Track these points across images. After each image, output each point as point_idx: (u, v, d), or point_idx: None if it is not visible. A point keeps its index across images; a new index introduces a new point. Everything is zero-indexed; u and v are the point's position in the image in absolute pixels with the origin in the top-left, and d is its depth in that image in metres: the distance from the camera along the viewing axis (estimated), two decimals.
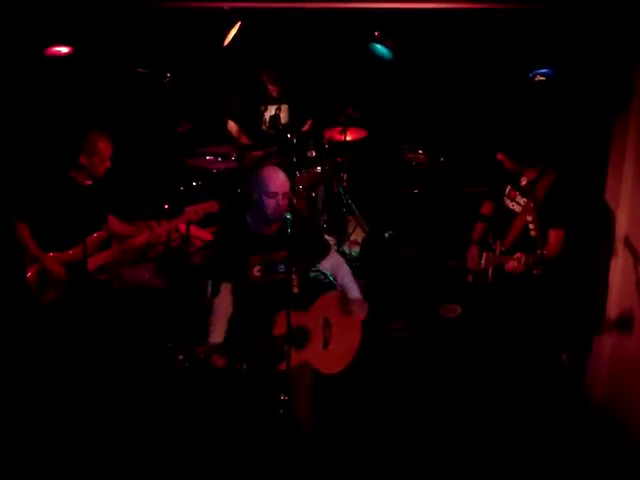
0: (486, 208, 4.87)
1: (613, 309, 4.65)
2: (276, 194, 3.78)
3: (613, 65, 4.50)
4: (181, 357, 3.67)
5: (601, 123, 4.66)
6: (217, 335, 3.89)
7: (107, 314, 4.62)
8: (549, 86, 5.81)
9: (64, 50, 5.71)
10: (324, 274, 4.82)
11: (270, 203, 3.78)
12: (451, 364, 5.16)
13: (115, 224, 4.70)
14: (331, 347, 4.05)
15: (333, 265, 4.20)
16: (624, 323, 4.59)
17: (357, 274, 6.01)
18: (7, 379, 4.57)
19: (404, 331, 5.58)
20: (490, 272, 4.64)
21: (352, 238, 6.62)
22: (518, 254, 4.29)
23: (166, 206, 6.13)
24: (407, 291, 5.79)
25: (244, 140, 6.34)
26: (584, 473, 4.25)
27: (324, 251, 4.15)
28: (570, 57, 5.31)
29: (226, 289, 3.92)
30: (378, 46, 6.20)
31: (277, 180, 3.82)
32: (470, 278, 4.85)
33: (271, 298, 3.85)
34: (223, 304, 3.93)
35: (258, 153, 6.19)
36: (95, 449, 4.29)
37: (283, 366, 3.78)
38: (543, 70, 5.89)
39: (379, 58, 6.25)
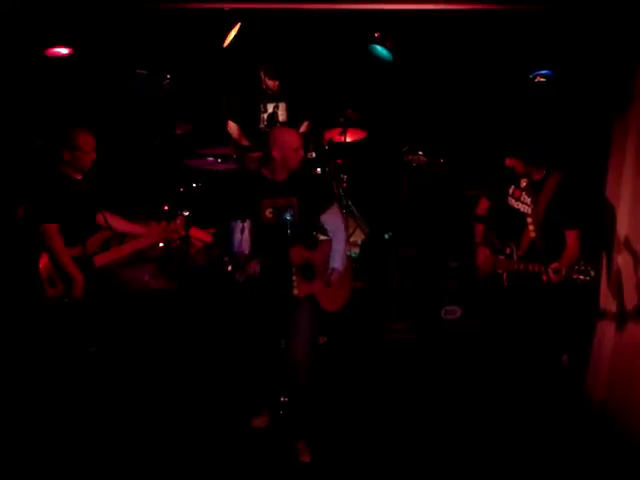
0: (482, 208, 4.81)
1: (614, 310, 4.65)
2: (299, 148, 4.35)
3: (613, 66, 4.51)
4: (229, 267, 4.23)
5: (601, 123, 4.67)
6: (246, 248, 4.34)
7: (110, 313, 4.63)
8: (549, 87, 5.82)
9: (64, 51, 5.73)
10: None
11: (294, 156, 4.33)
12: (451, 365, 5.16)
13: (117, 222, 4.69)
14: (332, 286, 4.48)
15: (333, 225, 4.56)
16: (625, 324, 4.59)
17: (357, 276, 6.08)
18: (12, 374, 4.59)
19: (404, 332, 5.58)
20: (505, 277, 4.59)
21: (352, 239, 6.60)
22: (555, 265, 4.23)
23: (165, 207, 6.15)
24: (407, 293, 5.79)
25: (244, 142, 6.34)
26: (585, 473, 4.25)
27: (327, 203, 4.52)
28: (570, 58, 5.32)
29: (245, 227, 4.33)
30: (378, 47, 6.20)
31: (295, 136, 4.40)
32: (476, 279, 4.82)
33: (282, 236, 4.32)
34: (243, 236, 4.33)
35: (258, 154, 6.18)
36: (94, 447, 4.29)
37: (296, 292, 4.37)
38: (543, 72, 5.89)
39: (379, 59, 6.25)
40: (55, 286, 4.34)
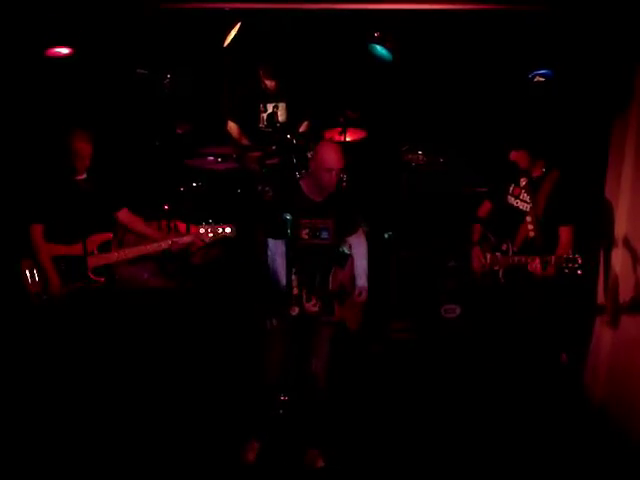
0: (483, 210, 4.84)
1: (612, 308, 4.65)
2: (331, 170, 4.18)
3: (612, 66, 4.52)
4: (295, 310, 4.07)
5: (601, 123, 4.68)
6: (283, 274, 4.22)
7: (106, 314, 4.62)
8: (549, 87, 5.82)
9: (64, 51, 5.73)
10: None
11: (325, 176, 4.19)
12: (451, 364, 5.17)
13: (135, 223, 4.70)
14: (355, 306, 4.55)
15: (357, 243, 4.55)
16: (623, 322, 4.60)
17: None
18: (5, 377, 4.58)
19: (404, 332, 5.58)
20: (501, 273, 4.61)
21: None
22: (546, 256, 4.26)
23: (166, 207, 6.16)
24: (407, 292, 5.79)
25: (244, 141, 6.35)
26: (584, 473, 4.25)
27: (357, 226, 4.53)
28: (570, 58, 5.32)
29: (282, 245, 4.19)
30: (378, 47, 6.20)
31: (333, 157, 4.21)
32: (474, 278, 4.82)
33: (317, 258, 4.26)
34: (281, 260, 4.21)
35: (258, 153, 6.19)
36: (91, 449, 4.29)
37: (334, 318, 4.35)
38: (542, 71, 5.89)
39: (379, 59, 6.25)
40: (35, 282, 4.36)
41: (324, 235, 4.26)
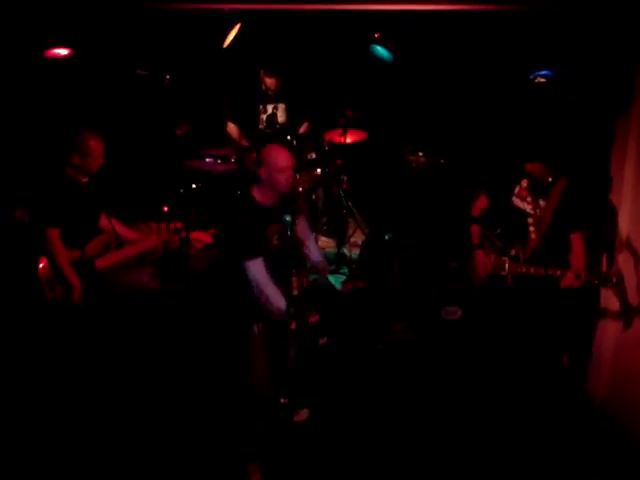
0: (478, 208, 4.81)
1: (615, 309, 4.64)
2: (285, 170, 4.27)
3: (614, 67, 4.50)
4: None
5: (602, 125, 4.66)
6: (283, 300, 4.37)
7: (111, 315, 4.62)
8: (550, 88, 5.82)
9: (63, 52, 5.74)
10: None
11: (281, 178, 4.25)
12: (452, 366, 5.16)
13: (118, 227, 4.70)
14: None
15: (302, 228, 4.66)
16: (626, 324, 4.58)
17: (357, 276, 6.09)
18: (14, 374, 4.57)
19: (404, 333, 5.57)
20: (509, 278, 4.57)
21: (352, 240, 6.63)
22: (577, 271, 4.26)
23: (165, 208, 6.14)
24: (407, 293, 5.78)
25: (244, 142, 6.35)
26: (586, 474, 4.24)
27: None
28: (571, 59, 5.32)
29: (261, 262, 4.31)
30: (378, 48, 6.20)
31: (285, 158, 4.30)
32: (476, 282, 4.81)
33: (287, 260, 4.36)
34: (266, 275, 4.31)
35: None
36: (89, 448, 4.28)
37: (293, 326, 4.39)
38: (543, 72, 5.89)
39: (379, 60, 6.25)
40: (54, 290, 4.33)
41: (289, 235, 4.38)
